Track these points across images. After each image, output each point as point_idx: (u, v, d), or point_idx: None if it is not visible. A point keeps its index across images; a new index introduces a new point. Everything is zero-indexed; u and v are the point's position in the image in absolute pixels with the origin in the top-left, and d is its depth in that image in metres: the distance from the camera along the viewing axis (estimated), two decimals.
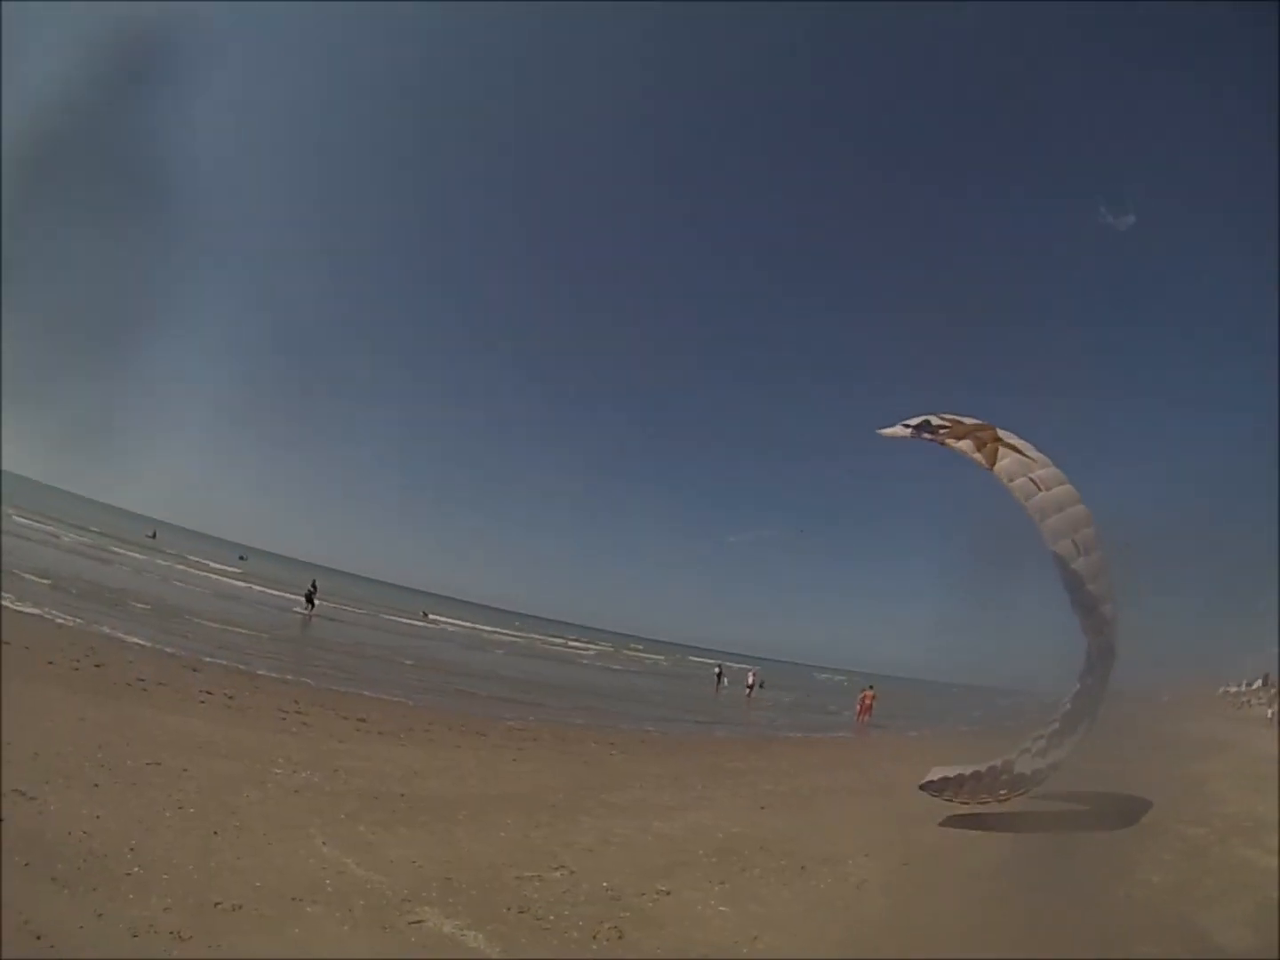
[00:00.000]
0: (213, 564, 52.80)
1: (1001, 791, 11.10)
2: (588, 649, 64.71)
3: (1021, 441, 10.66)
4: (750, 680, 40.43)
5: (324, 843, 7.72)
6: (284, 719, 13.50)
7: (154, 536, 65.26)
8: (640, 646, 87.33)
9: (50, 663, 13.13)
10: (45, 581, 22.87)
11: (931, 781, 11.65)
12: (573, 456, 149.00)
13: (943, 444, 10.58)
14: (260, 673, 17.58)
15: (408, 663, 26.32)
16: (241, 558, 70.32)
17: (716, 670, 46.03)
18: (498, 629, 63.86)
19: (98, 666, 13.81)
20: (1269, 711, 40.69)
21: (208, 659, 17.70)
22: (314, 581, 40.80)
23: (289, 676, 18.02)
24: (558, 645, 62.08)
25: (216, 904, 5.97)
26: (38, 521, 43.98)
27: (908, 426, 10.91)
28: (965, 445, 10.44)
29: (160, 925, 5.48)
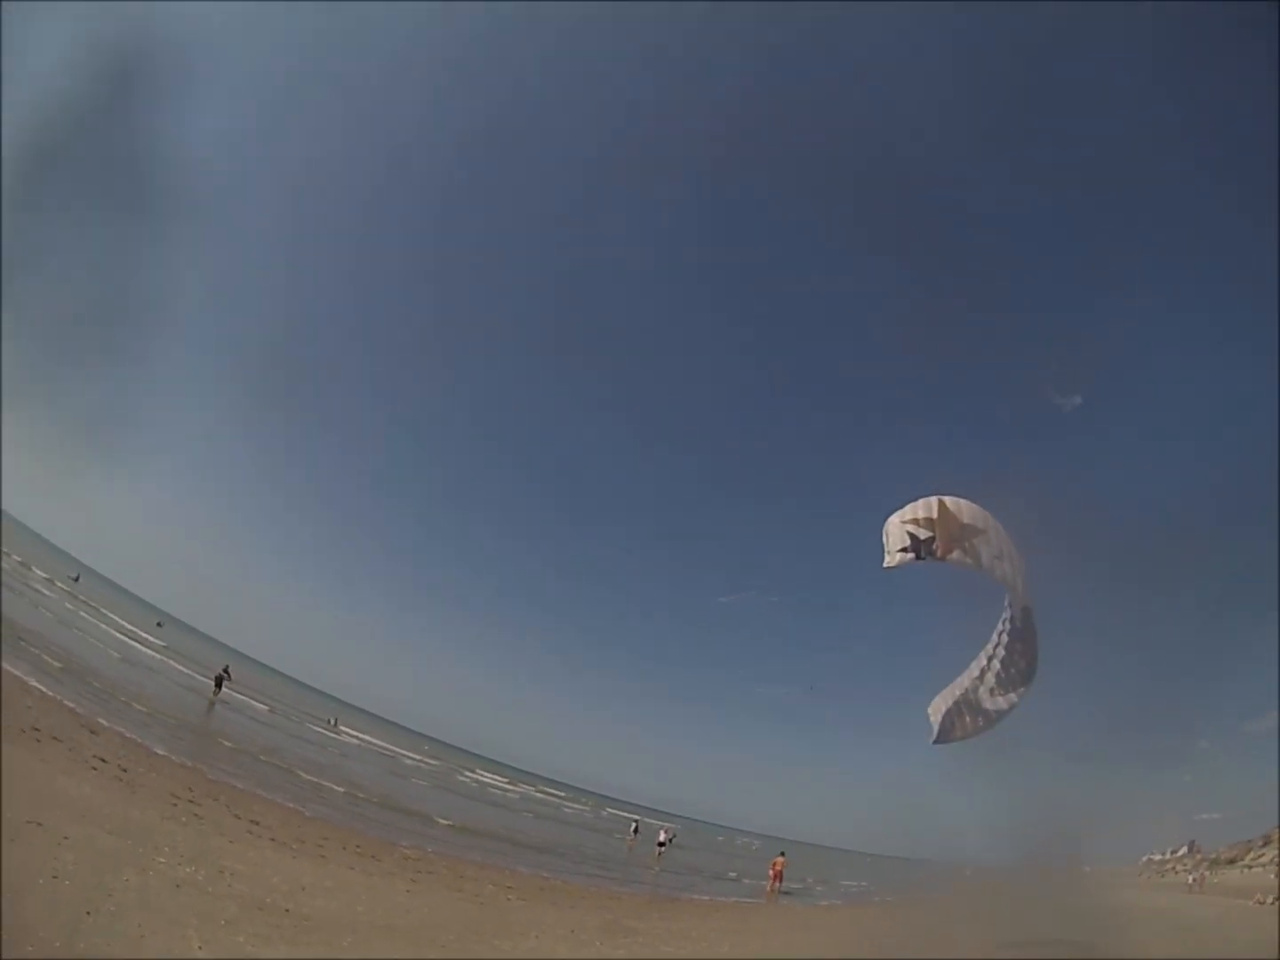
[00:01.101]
0: (128, 624, 51.27)
1: (980, 724, 12.68)
2: (505, 788, 62.40)
3: (973, 511, 12.19)
4: (661, 837, 39.56)
5: (200, 946, 7.38)
6: (175, 805, 13.00)
7: (77, 579, 63.55)
8: (561, 792, 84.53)
9: None
10: None
11: (939, 730, 12.83)
12: (524, 590, 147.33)
13: (944, 560, 11.90)
14: (158, 751, 16.99)
15: (308, 771, 25.31)
16: (159, 624, 68.25)
17: (634, 825, 46.31)
18: (409, 752, 61.53)
19: None
20: (1189, 878, 42.09)
21: (106, 723, 17.09)
22: (227, 666, 39.84)
23: (186, 761, 17.38)
24: (470, 778, 59.82)
25: None
26: None
27: (906, 552, 11.97)
28: (956, 556, 11.84)
29: None
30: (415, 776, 44.46)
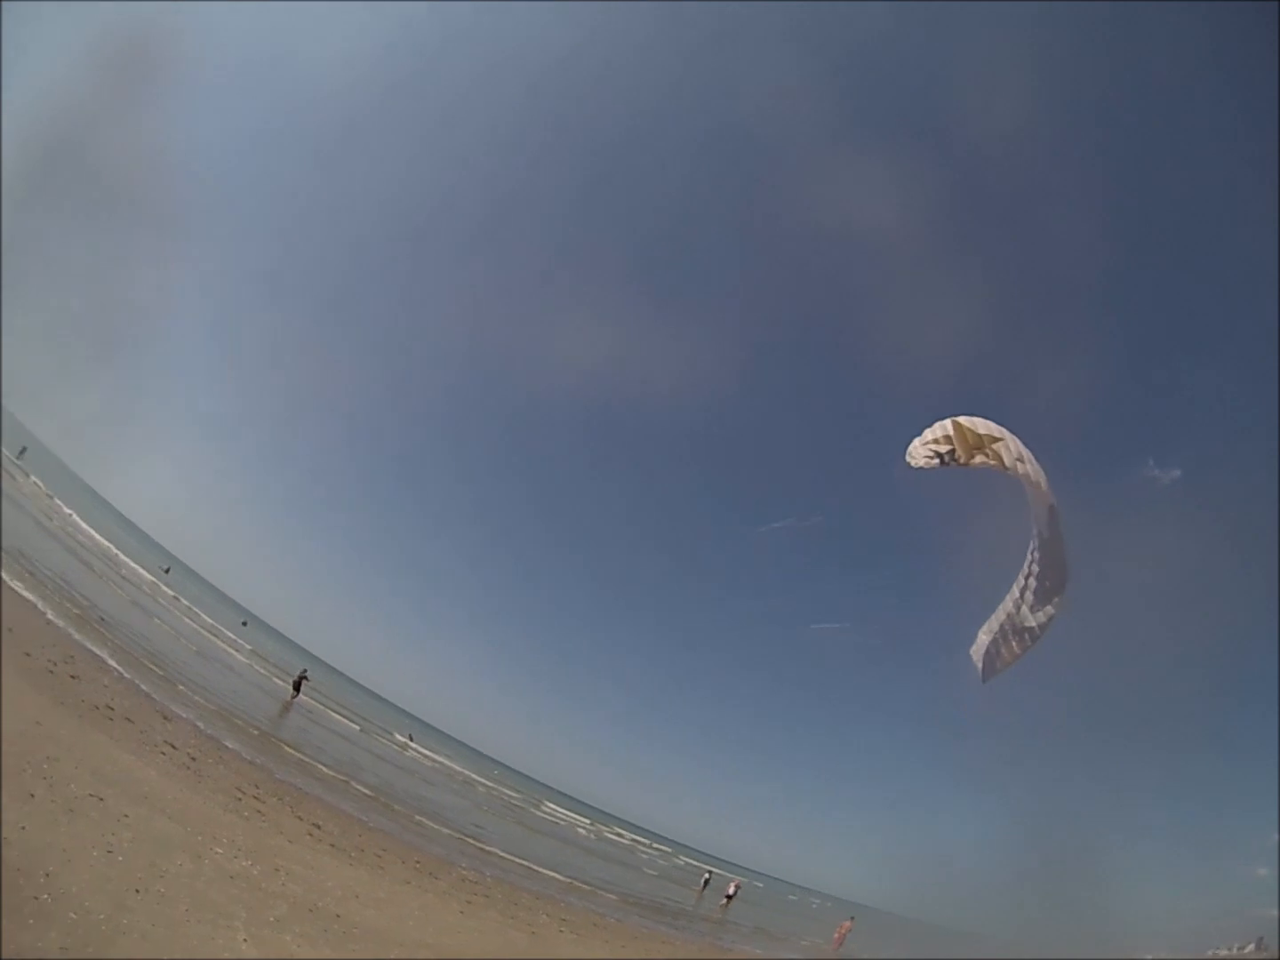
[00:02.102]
0: (211, 619, 53.20)
1: (1025, 641, 12.95)
2: (581, 826, 62.51)
3: (988, 424, 12.63)
4: (730, 890, 40.15)
5: (245, 940, 7.37)
6: (239, 799, 13.22)
7: (168, 571, 66.58)
8: (640, 837, 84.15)
9: (27, 654, 13.29)
10: (51, 574, 23.32)
11: (984, 667, 13.31)
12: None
13: (968, 465, 12.67)
14: (228, 744, 17.35)
15: (376, 783, 25.60)
16: (244, 623, 70.92)
17: (705, 877, 45.79)
18: (483, 779, 61.97)
19: (73, 677, 13.89)
20: None
21: (180, 711, 17.56)
22: (305, 670, 40.73)
23: (255, 758, 17.70)
24: (546, 813, 59.89)
25: None
26: (62, 520, 45.34)
27: (931, 459, 12.82)
28: (979, 460, 12.56)
29: None
30: (487, 803, 44.65)
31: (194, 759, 14.00)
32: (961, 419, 12.68)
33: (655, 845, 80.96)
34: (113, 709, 13.72)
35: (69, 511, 49.28)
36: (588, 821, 70.39)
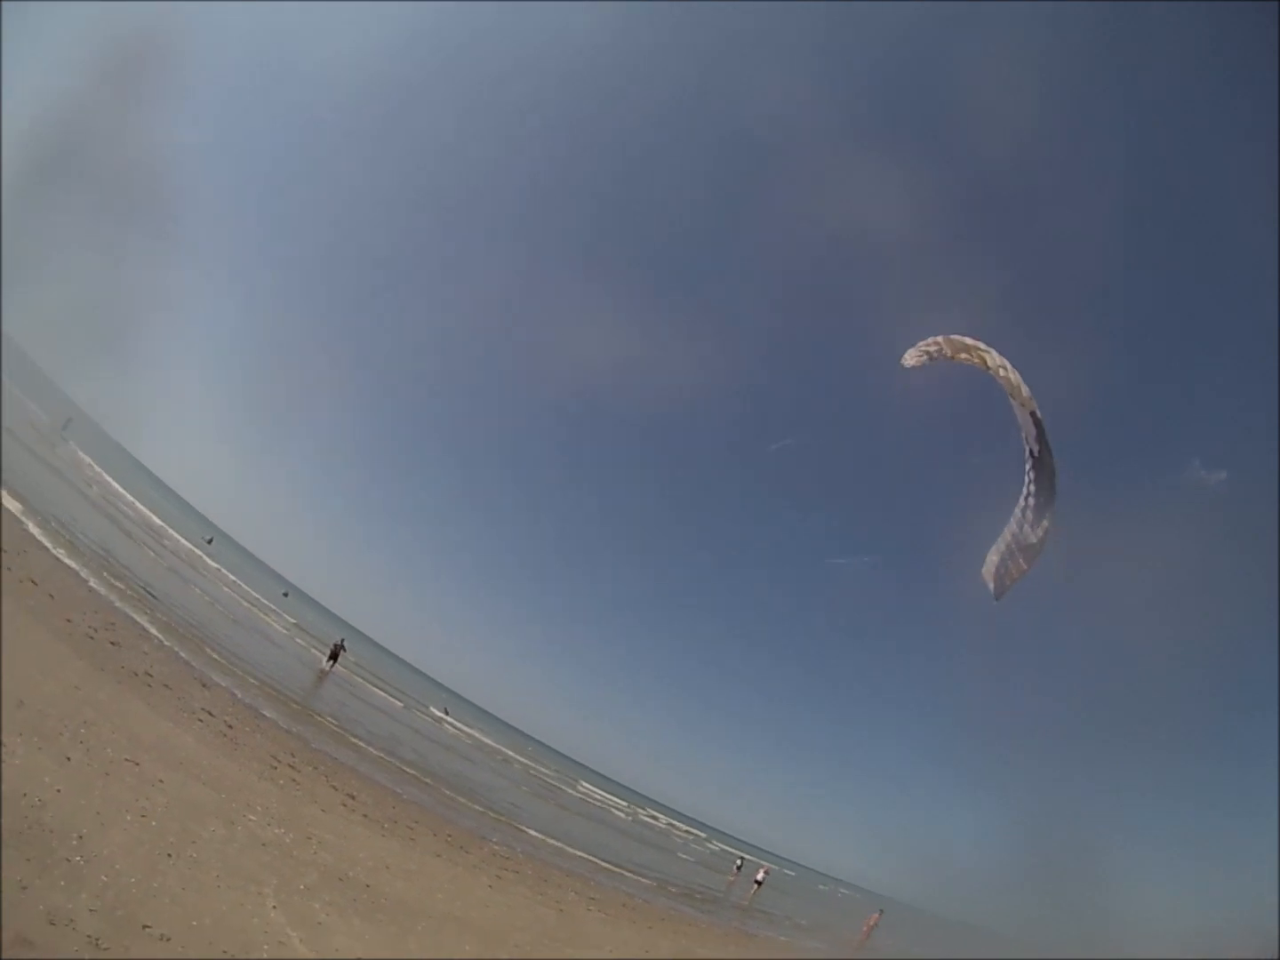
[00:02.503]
0: (253, 589, 54.13)
1: (1030, 556, 13.67)
2: (617, 807, 63.11)
3: (965, 336, 13.44)
4: (759, 876, 40.74)
5: (274, 906, 7.52)
6: (274, 768, 13.48)
7: (210, 542, 67.73)
8: (678, 822, 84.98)
9: (69, 620, 13.60)
10: (92, 543, 23.82)
11: (995, 585, 14.07)
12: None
13: (952, 360, 13.42)
14: (266, 713, 17.68)
15: (411, 755, 25.98)
16: (285, 594, 72.14)
17: (738, 862, 47.69)
18: (519, 755, 62.61)
19: (113, 644, 14.21)
20: None
21: (219, 679, 17.90)
22: (342, 640, 41.22)
23: (292, 727, 18.01)
24: (582, 792, 60.44)
25: (145, 927, 5.86)
26: (105, 489, 46.29)
27: (920, 356, 13.58)
28: (965, 357, 13.27)
29: (81, 924, 5.39)
30: (523, 781, 45.11)
31: (230, 727, 14.29)
32: (953, 335, 13.61)
33: (691, 830, 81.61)
34: (151, 676, 14.01)
35: (112, 482, 50.32)
36: (624, 804, 71.03)
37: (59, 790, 7.20)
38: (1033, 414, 13.44)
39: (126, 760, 9.16)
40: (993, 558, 14.36)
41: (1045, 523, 13.60)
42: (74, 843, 6.48)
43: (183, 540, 52.54)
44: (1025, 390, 13.17)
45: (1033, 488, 13.84)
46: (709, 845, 73.37)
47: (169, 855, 7.36)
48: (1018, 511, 14.08)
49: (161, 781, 9.20)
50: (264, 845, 9.27)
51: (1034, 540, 13.71)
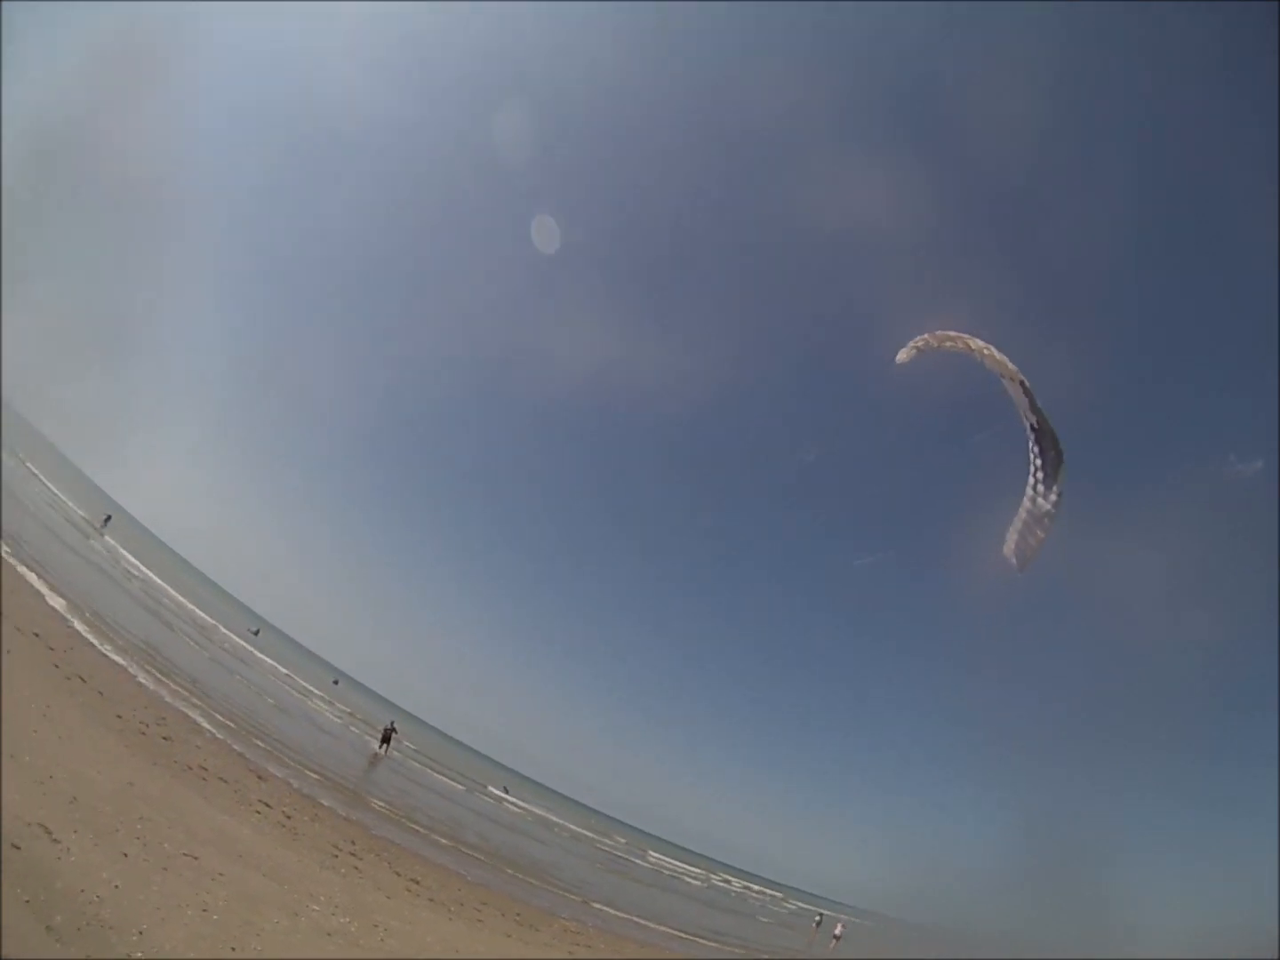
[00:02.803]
0: (302, 679, 54.23)
1: (1046, 525, 14.17)
2: (689, 873, 62.30)
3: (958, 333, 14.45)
4: (837, 931, 41.77)
5: None
6: (335, 856, 13.21)
7: (257, 633, 68.22)
8: (753, 884, 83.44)
9: (119, 716, 13.52)
10: (138, 639, 23.87)
11: (1017, 558, 14.54)
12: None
13: (939, 349, 14.45)
14: (324, 802, 17.45)
15: (474, 837, 25.54)
16: (335, 681, 72.54)
17: (818, 918, 47.98)
18: (585, 829, 61.55)
19: (165, 739, 14.10)
20: None
21: (275, 770, 17.72)
22: (393, 722, 41.34)
23: (351, 815, 17.73)
24: (652, 861, 59.20)
25: None
26: (148, 584, 46.81)
27: (910, 351, 14.59)
28: (949, 345, 14.27)
29: None
30: (591, 855, 44.27)
31: (289, 817, 14.08)
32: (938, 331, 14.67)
33: (766, 890, 79.99)
34: (206, 769, 13.88)
35: (155, 577, 50.89)
36: (698, 871, 69.64)
37: (117, 886, 7.00)
38: (1022, 384, 14.24)
39: (184, 855, 8.96)
40: (1012, 535, 14.89)
41: (1056, 487, 14.30)
42: (134, 938, 6.28)
43: (229, 633, 52.85)
44: (1011, 365, 14.06)
45: (1038, 461, 14.50)
46: (786, 905, 71.99)
47: (232, 949, 7.11)
48: (1029, 487, 14.72)
49: (221, 875, 8.97)
50: (329, 935, 8.99)
51: (1048, 508, 14.37)
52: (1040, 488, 14.59)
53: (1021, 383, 14.34)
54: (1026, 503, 14.84)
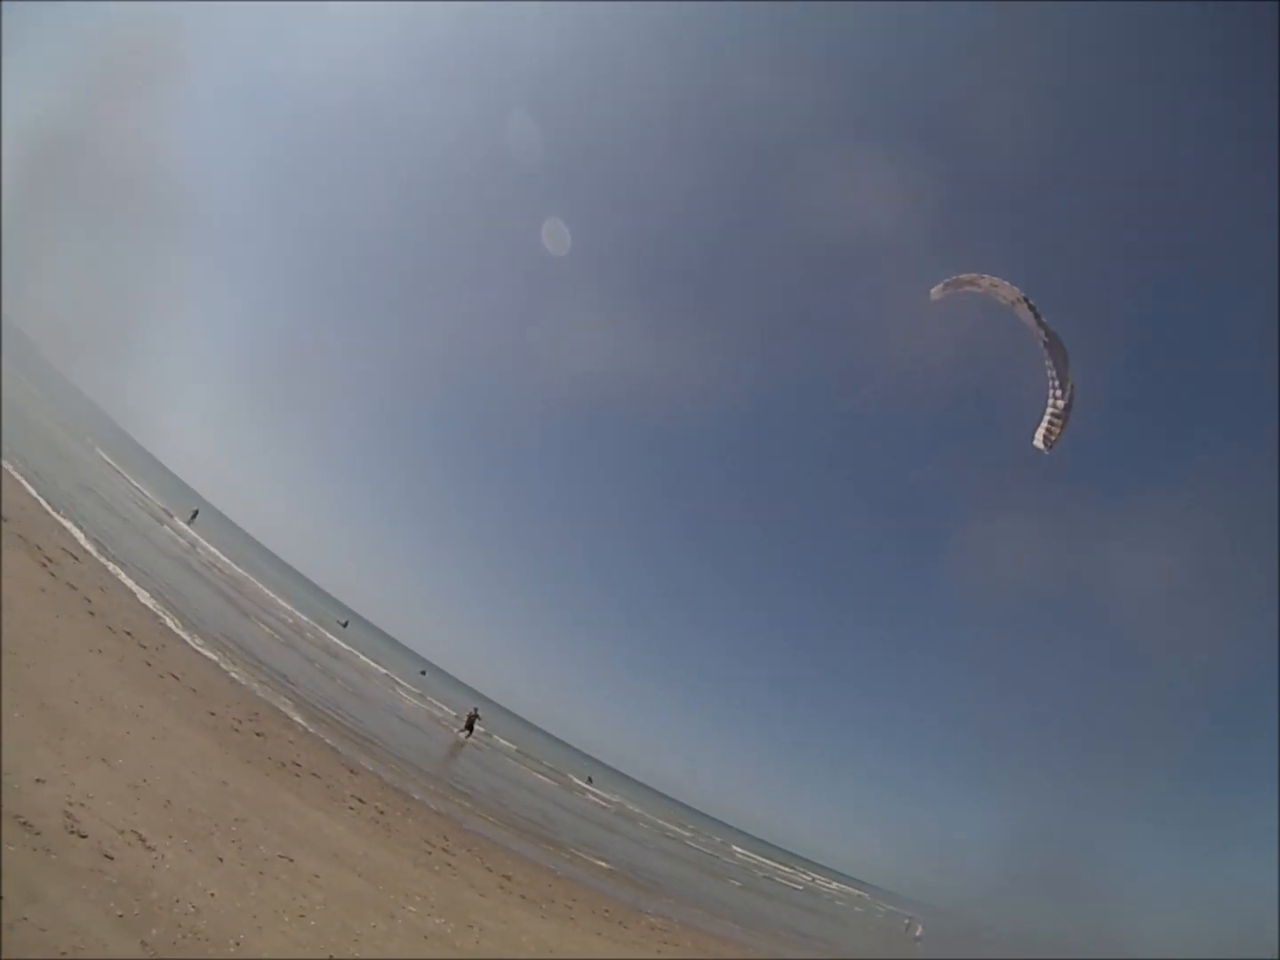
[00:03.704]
0: (390, 670, 55.21)
1: (1066, 417, 17.10)
2: (785, 875, 62.34)
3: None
4: (919, 932, 44.47)
5: None
6: (429, 853, 13.26)
7: (345, 626, 69.97)
8: (849, 887, 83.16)
9: (212, 713, 13.73)
10: (227, 633, 24.35)
11: (1045, 445, 17.42)
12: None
13: (972, 286, 17.64)
14: (415, 796, 17.59)
15: (561, 831, 25.63)
16: (422, 672, 74.01)
17: (906, 921, 50.92)
18: (671, 824, 61.65)
19: (258, 735, 14.31)
20: None
21: (366, 764, 17.93)
22: (476, 709, 42.20)
23: (442, 809, 17.86)
24: (739, 858, 59.09)
25: None
26: (238, 579, 48.07)
27: (941, 289, 18.14)
28: (967, 288, 17.69)
29: None
30: (678, 851, 44.26)
31: (382, 812, 14.18)
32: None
33: (856, 890, 79.74)
34: (299, 765, 14.04)
35: (248, 575, 52.30)
36: (788, 870, 69.46)
37: (213, 894, 7.01)
38: (1026, 301, 16.91)
39: (280, 857, 8.99)
40: (1039, 430, 17.49)
41: (1070, 383, 16.87)
42: (232, 949, 6.25)
43: (318, 626, 54.09)
44: (1017, 289, 17.03)
45: (1053, 371, 16.98)
46: (876, 906, 71.70)
47: (330, 956, 7.05)
48: (1049, 393, 17.19)
49: (317, 877, 9.00)
50: (426, 938, 8.95)
51: (1065, 402, 16.99)
52: (1057, 390, 17.13)
53: (1028, 303, 16.93)
54: (1049, 406, 17.36)
